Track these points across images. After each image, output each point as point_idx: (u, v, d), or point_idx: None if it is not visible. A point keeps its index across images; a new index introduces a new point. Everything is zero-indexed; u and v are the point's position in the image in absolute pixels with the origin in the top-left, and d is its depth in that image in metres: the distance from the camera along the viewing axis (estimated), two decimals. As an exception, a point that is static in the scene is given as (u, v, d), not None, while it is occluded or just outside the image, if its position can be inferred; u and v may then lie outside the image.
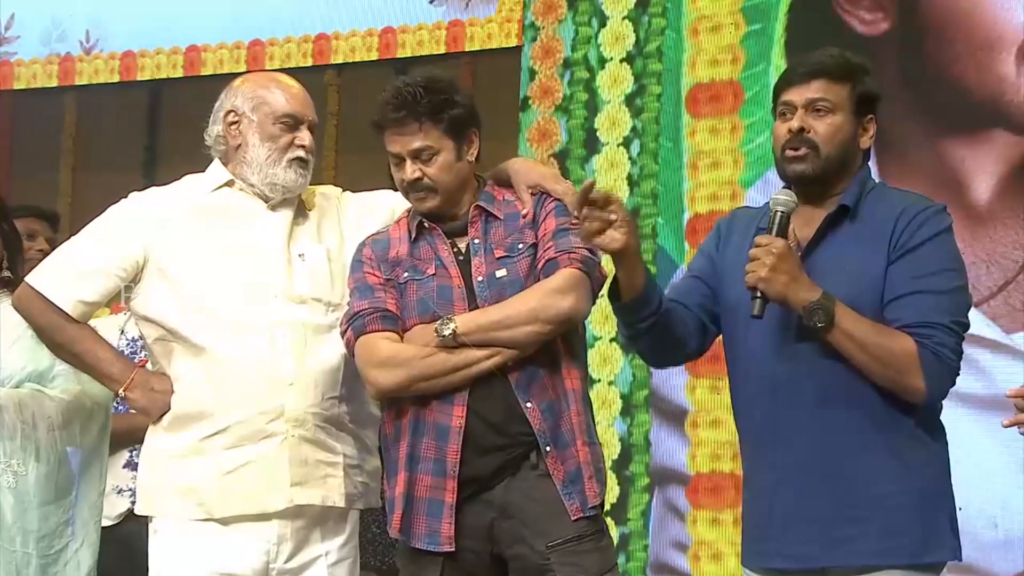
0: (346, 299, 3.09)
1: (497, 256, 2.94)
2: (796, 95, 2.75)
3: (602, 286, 2.95)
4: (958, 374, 2.68)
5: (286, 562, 3.08)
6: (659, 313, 2.76)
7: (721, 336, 2.88)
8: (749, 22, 5.07)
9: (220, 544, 3.06)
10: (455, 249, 2.97)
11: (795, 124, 2.73)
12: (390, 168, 3.01)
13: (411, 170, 2.93)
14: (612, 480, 5.13)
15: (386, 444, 2.99)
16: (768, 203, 2.79)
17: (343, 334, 2.98)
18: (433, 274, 2.95)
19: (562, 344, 2.93)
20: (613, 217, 2.65)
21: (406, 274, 2.96)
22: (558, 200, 2.97)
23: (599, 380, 5.21)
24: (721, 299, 2.83)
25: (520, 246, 2.94)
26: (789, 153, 2.74)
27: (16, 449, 3.34)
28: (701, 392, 4.98)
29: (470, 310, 2.89)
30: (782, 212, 2.67)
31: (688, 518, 5.05)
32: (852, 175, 2.77)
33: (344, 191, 3.33)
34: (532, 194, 2.99)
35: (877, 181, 2.85)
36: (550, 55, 5.44)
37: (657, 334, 2.79)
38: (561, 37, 5.47)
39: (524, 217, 2.96)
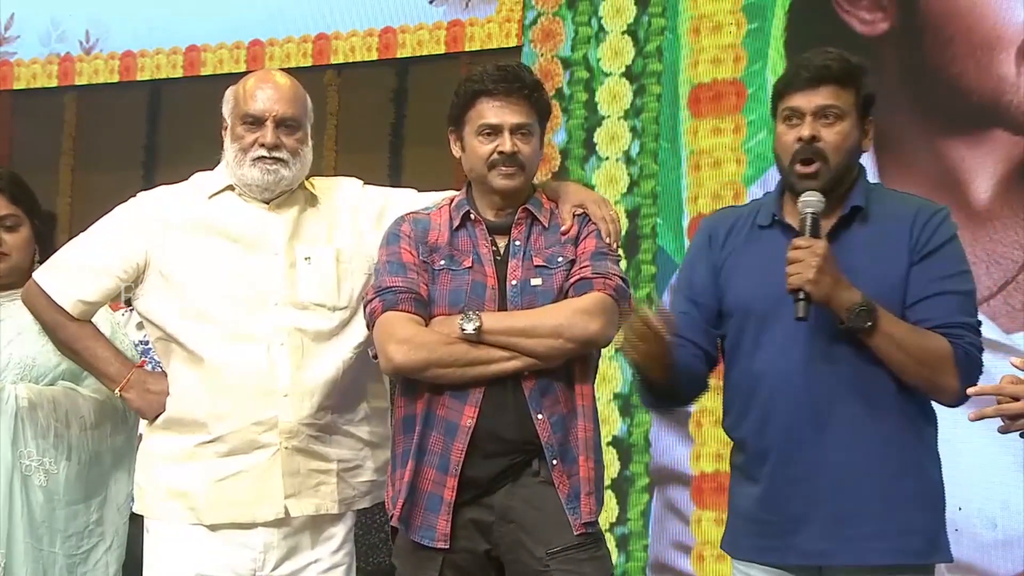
0: (353, 301, 3.09)
1: (535, 264, 2.94)
2: (804, 101, 2.73)
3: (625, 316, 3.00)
4: (981, 372, 2.73)
5: (274, 569, 3.08)
6: (682, 375, 2.79)
7: (726, 335, 2.88)
8: (750, 20, 5.07)
9: (207, 549, 3.07)
10: (494, 247, 2.97)
11: (807, 132, 2.72)
12: (466, 144, 2.96)
13: (511, 142, 2.92)
14: (612, 481, 5.13)
15: (395, 433, 3.00)
16: (755, 200, 2.87)
17: (367, 303, 2.98)
18: (469, 267, 2.95)
19: (578, 361, 2.93)
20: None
21: (442, 262, 2.96)
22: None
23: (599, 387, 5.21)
24: (727, 301, 2.83)
25: (560, 259, 2.95)
26: (801, 169, 2.73)
27: (48, 447, 3.34)
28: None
29: (498, 311, 2.90)
30: (813, 214, 2.67)
31: (692, 518, 5.05)
32: (856, 178, 2.79)
33: (366, 184, 3.30)
34: (575, 214, 3.00)
35: (872, 182, 2.86)
36: (548, 78, 5.42)
37: (679, 392, 2.86)
38: (562, 16, 5.46)
39: (566, 233, 2.97)
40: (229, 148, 3.12)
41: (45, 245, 3.48)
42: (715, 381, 2.97)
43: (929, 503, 2.73)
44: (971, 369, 2.68)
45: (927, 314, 2.67)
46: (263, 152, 3.08)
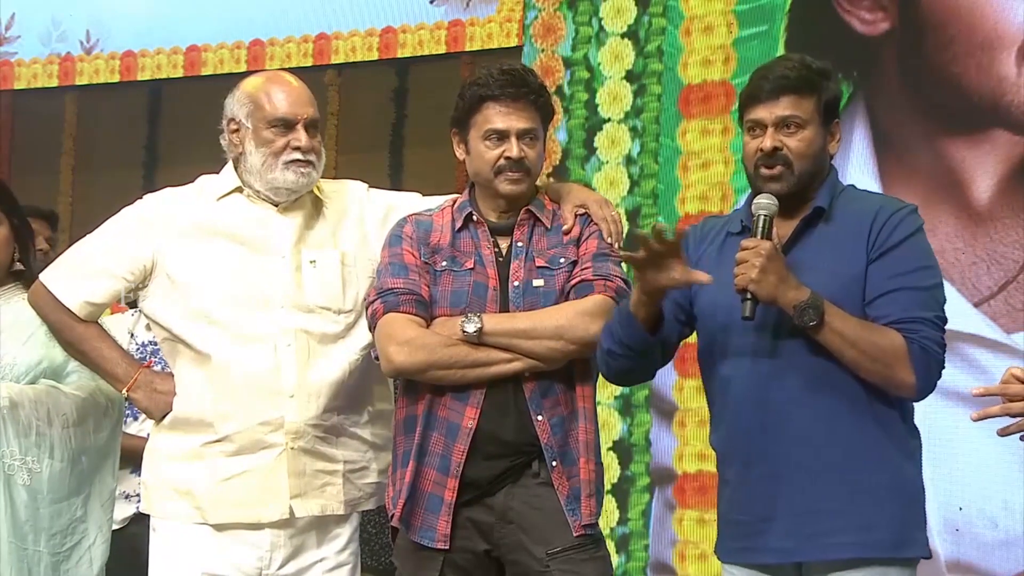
0: (358, 304, 3.10)
1: (538, 265, 2.95)
2: (765, 113, 2.75)
3: None
4: (943, 367, 2.73)
5: (280, 568, 3.09)
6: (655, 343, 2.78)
7: (697, 343, 2.89)
8: (743, 25, 5.06)
9: (213, 548, 3.08)
10: (496, 248, 2.97)
11: (768, 144, 2.74)
12: (463, 147, 2.97)
13: (518, 148, 2.92)
14: (612, 480, 5.13)
15: (397, 434, 3.00)
16: (737, 210, 2.86)
17: (369, 304, 2.98)
18: (471, 268, 2.95)
19: (579, 362, 2.94)
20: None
21: (444, 263, 2.96)
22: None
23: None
24: (697, 306, 2.85)
25: (562, 260, 2.95)
26: (764, 172, 2.76)
27: (31, 446, 3.34)
28: (688, 391, 4.99)
29: (500, 312, 2.91)
30: (765, 215, 2.70)
31: (675, 517, 5.06)
32: (823, 180, 2.81)
33: (371, 188, 3.30)
34: (577, 214, 3.01)
35: (845, 184, 2.88)
36: (548, 75, 5.41)
37: (641, 360, 2.82)
38: (563, 13, 5.46)
39: (568, 234, 2.98)
40: (255, 153, 3.10)
41: (24, 246, 3.49)
42: (699, 381, 2.97)
43: (899, 497, 2.72)
44: (928, 363, 2.67)
45: (884, 310, 2.68)
46: (298, 155, 3.08)
